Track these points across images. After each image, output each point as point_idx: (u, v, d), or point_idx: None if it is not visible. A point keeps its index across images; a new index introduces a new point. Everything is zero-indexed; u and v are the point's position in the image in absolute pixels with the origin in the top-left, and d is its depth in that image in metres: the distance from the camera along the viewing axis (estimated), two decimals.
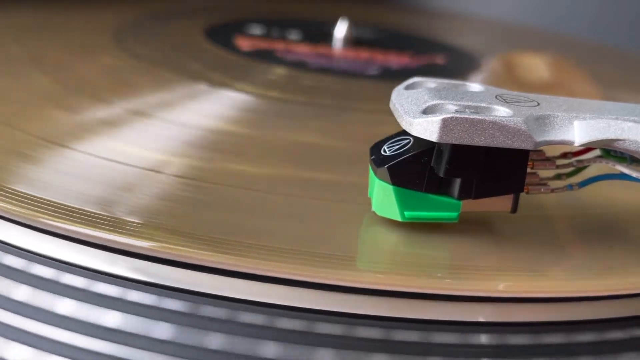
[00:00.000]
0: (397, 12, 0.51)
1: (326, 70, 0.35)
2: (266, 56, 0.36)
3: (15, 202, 0.21)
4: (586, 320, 0.20)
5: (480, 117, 0.20)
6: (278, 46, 0.37)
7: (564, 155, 0.22)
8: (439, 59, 0.38)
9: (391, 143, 0.22)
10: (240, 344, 0.19)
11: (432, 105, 0.21)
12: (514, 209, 0.22)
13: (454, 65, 0.39)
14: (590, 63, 0.42)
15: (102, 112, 0.28)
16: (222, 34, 0.38)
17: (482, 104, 0.21)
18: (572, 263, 0.22)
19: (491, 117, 0.20)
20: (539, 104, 0.21)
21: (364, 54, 0.37)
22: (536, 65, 0.41)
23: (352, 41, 0.38)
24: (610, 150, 0.22)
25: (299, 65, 0.35)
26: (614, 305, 0.21)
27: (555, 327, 0.20)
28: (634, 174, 0.22)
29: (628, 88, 0.39)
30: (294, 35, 0.39)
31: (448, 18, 0.52)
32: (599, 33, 0.51)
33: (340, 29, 0.38)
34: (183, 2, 0.46)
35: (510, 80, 0.38)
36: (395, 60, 0.37)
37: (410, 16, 0.51)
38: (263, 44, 0.37)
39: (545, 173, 0.22)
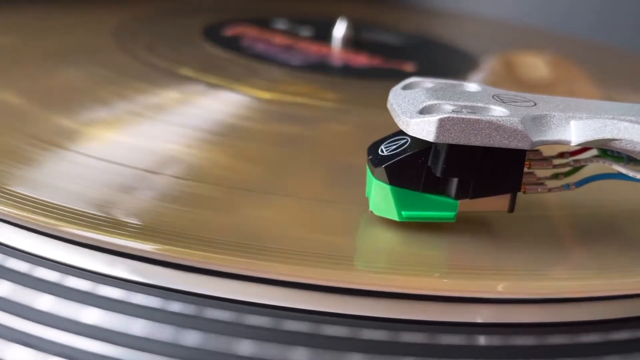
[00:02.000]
0: (397, 11, 0.52)
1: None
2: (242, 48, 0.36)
3: (14, 203, 0.21)
4: (587, 321, 0.20)
5: (477, 117, 0.20)
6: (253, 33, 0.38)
7: (561, 155, 0.22)
8: (408, 66, 0.37)
9: (388, 143, 0.22)
10: (244, 345, 0.19)
11: (429, 105, 0.21)
12: (511, 209, 0.22)
13: (454, 64, 0.39)
14: (590, 62, 0.42)
15: (100, 112, 0.28)
16: (221, 34, 0.38)
17: (479, 104, 0.21)
18: (571, 263, 0.22)
19: (488, 117, 0.20)
20: (535, 104, 0.21)
21: (326, 50, 0.38)
22: (536, 65, 0.41)
23: (351, 41, 0.38)
24: (607, 150, 0.22)
25: (263, 58, 0.35)
26: (614, 306, 0.21)
27: (556, 327, 0.20)
28: (631, 174, 0.22)
29: (628, 87, 0.39)
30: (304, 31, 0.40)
31: (448, 18, 0.52)
32: (599, 32, 0.51)
33: (340, 29, 0.38)
34: (182, 2, 0.46)
35: (510, 80, 0.38)
36: (363, 61, 0.37)
37: (411, 16, 0.51)
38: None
39: (542, 173, 0.22)
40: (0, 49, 0.34)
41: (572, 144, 0.21)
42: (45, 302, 0.20)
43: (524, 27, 0.50)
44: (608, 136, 0.21)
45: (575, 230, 0.24)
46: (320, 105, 0.31)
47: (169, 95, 0.30)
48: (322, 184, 0.25)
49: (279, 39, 0.38)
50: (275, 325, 0.19)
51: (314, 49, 0.37)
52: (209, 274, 0.20)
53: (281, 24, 0.40)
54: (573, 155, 0.22)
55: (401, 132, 0.21)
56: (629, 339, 0.20)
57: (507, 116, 0.20)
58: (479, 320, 0.20)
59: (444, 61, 0.40)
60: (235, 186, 0.24)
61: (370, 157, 0.22)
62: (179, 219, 0.22)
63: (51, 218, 0.21)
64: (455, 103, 0.21)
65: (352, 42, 0.38)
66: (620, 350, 0.20)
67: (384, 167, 0.21)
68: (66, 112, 0.28)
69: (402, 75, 0.25)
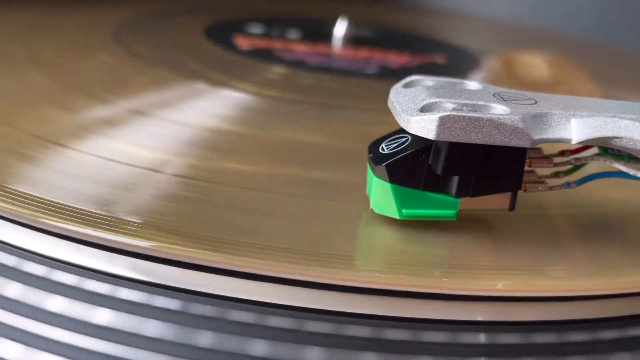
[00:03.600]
0: (397, 11, 0.52)
1: (325, 69, 0.35)
2: (265, 55, 0.36)
3: (14, 202, 0.21)
4: (585, 320, 0.20)
5: (478, 115, 0.20)
6: (277, 45, 0.37)
7: (562, 153, 0.22)
8: (439, 58, 0.38)
9: (389, 141, 0.22)
10: (231, 342, 0.19)
11: (430, 103, 0.21)
12: (512, 207, 0.22)
13: (454, 64, 0.39)
14: (590, 61, 0.42)
15: (101, 111, 0.28)
16: (221, 33, 0.38)
17: (480, 102, 0.21)
18: (571, 262, 0.22)
19: (488, 115, 0.20)
20: (536, 102, 0.21)
21: (363, 53, 0.37)
22: (536, 64, 0.41)
23: (351, 40, 0.38)
24: (607, 148, 0.22)
25: (298, 64, 0.35)
26: (614, 304, 0.21)
27: (554, 326, 0.20)
28: (632, 172, 0.22)
29: (628, 86, 0.39)
30: (293, 34, 0.39)
31: (448, 17, 0.52)
32: (599, 31, 0.51)
33: (340, 28, 0.38)
34: (183, 1, 0.46)
35: (511, 79, 0.38)
36: (395, 59, 0.37)
37: (410, 15, 0.51)
38: (262, 43, 0.37)
39: (542, 171, 0.22)
40: (0, 48, 0.34)
41: (573, 142, 0.21)
42: (42, 301, 0.20)
43: (525, 26, 0.50)
44: (608, 134, 0.21)
45: (576, 228, 0.24)
46: (319, 104, 0.31)
47: (171, 93, 0.30)
48: (322, 182, 0.25)
49: (301, 47, 0.38)
50: (277, 324, 0.19)
51: (339, 52, 0.37)
52: (213, 273, 0.20)
53: (256, 28, 0.40)
54: (574, 154, 0.22)
55: (402, 130, 0.21)
56: (630, 337, 0.20)
57: (508, 114, 0.20)
58: (479, 319, 0.20)
59: (445, 61, 0.40)
60: (235, 185, 0.24)
61: (371, 155, 0.22)
62: (178, 217, 0.22)
63: (52, 216, 0.21)
64: (456, 101, 0.21)
65: (351, 41, 0.38)
66: (620, 348, 0.20)
67: (385, 165, 0.21)
68: (68, 110, 0.28)
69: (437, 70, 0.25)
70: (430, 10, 0.54)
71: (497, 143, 0.20)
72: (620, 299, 0.21)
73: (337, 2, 0.47)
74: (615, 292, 0.21)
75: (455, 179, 0.21)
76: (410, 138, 0.21)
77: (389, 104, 0.22)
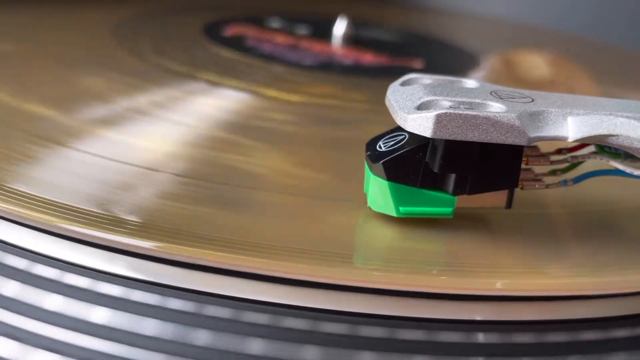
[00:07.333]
0: (397, 10, 0.52)
1: (325, 67, 0.35)
2: (255, 50, 0.36)
3: (14, 201, 0.21)
4: (584, 319, 0.20)
5: (474, 113, 0.20)
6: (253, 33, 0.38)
7: (559, 151, 0.22)
8: (417, 64, 0.38)
9: (387, 139, 0.22)
10: (236, 343, 0.19)
11: (427, 101, 0.21)
12: (509, 205, 0.22)
13: (454, 63, 0.39)
14: (590, 60, 0.42)
15: (101, 110, 0.28)
16: (221, 32, 0.39)
17: (477, 100, 0.21)
18: (569, 261, 0.22)
19: (485, 113, 0.20)
20: (533, 100, 0.21)
21: (329, 49, 0.38)
22: (536, 63, 0.41)
23: (351, 39, 0.38)
24: (604, 146, 0.22)
25: (294, 63, 0.35)
26: (612, 303, 0.21)
27: (553, 325, 0.20)
28: (628, 170, 0.22)
29: (627, 85, 0.39)
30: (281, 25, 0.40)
31: (447, 16, 0.52)
32: (598, 30, 0.51)
33: (339, 27, 0.38)
34: (178, 0, 0.46)
35: (510, 79, 0.38)
36: (370, 59, 0.37)
37: (410, 14, 0.51)
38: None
39: (540, 169, 0.22)
40: (0, 47, 0.34)
41: (569, 139, 0.21)
42: (44, 299, 0.20)
43: (524, 25, 0.50)
44: (605, 132, 0.21)
45: (573, 227, 0.24)
46: (318, 103, 0.31)
47: (171, 92, 0.30)
48: (321, 179, 0.25)
49: (280, 38, 0.38)
50: (274, 323, 0.19)
51: (317, 48, 0.37)
52: (203, 271, 0.20)
53: (276, 23, 0.40)
54: (571, 152, 0.22)
55: (399, 128, 0.22)
56: (628, 336, 0.20)
57: (504, 112, 0.20)
58: (477, 318, 0.20)
59: (444, 59, 0.40)
60: (235, 184, 0.24)
61: (369, 153, 0.22)
62: (177, 216, 0.22)
63: (51, 215, 0.21)
64: (453, 99, 0.21)
65: (352, 40, 0.38)
66: (619, 348, 0.20)
67: (382, 163, 0.21)
68: (67, 109, 0.28)
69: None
70: (429, 8, 0.54)
71: (494, 141, 0.20)
72: (619, 298, 0.21)
73: (338, 2, 0.47)
74: (614, 292, 0.21)
75: (452, 176, 0.21)
76: (407, 136, 0.21)
77: (387, 102, 0.22)
